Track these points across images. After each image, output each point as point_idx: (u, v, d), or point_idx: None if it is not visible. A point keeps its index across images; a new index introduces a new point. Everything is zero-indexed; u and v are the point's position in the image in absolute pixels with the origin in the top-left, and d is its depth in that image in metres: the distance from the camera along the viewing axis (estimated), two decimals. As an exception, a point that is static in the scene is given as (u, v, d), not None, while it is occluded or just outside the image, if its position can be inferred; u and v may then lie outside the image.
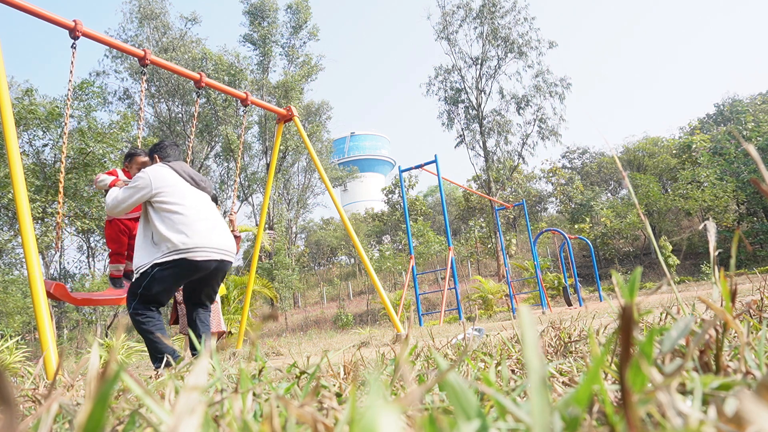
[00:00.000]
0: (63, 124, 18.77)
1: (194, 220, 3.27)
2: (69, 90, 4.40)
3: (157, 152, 3.64)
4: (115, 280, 4.49)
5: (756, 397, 0.35)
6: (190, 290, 3.57)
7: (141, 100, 5.14)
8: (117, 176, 4.21)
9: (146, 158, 4.26)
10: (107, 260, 4.32)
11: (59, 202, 4.31)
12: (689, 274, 24.41)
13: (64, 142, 4.45)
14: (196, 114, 5.57)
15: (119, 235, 4.42)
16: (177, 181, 3.40)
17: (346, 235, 37.81)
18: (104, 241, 4.58)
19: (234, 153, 29.19)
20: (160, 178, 3.32)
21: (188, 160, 5.12)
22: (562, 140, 31.23)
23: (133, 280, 3.26)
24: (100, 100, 19.36)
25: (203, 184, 3.55)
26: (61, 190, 4.34)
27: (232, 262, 3.52)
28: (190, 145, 5.71)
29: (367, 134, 73.05)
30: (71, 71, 4.36)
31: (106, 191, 3.94)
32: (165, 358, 1.92)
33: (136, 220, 4.36)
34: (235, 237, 5.22)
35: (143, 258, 3.22)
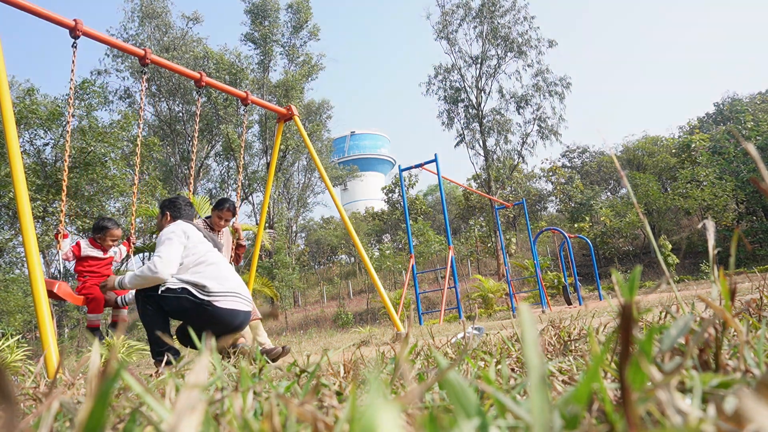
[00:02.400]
0: (65, 123, 18.78)
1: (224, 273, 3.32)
2: (71, 89, 4.39)
3: (169, 210, 3.61)
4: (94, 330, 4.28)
5: (755, 395, 0.35)
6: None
7: (141, 99, 5.15)
8: (79, 247, 4.22)
9: (119, 231, 4.36)
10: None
11: (62, 200, 4.29)
12: (689, 273, 24.41)
13: (67, 141, 4.44)
14: (198, 114, 5.58)
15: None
16: (201, 239, 3.42)
17: (346, 234, 37.81)
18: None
19: (235, 152, 29.19)
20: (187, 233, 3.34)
21: (192, 159, 5.13)
22: (561, 139, 31.23)
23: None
24: (101, 100, 19.36)
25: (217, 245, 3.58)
26: (64, 188, 4.31)
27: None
28: (195, 143, 5.71)
29: (367, 133, 73.03)
30: (72, 70, 4.36)
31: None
32: (165, 356, 1.92)
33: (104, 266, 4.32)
34: (241, 246, 5.19)
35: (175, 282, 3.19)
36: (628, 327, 0.41)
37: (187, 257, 3.23)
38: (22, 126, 17.71)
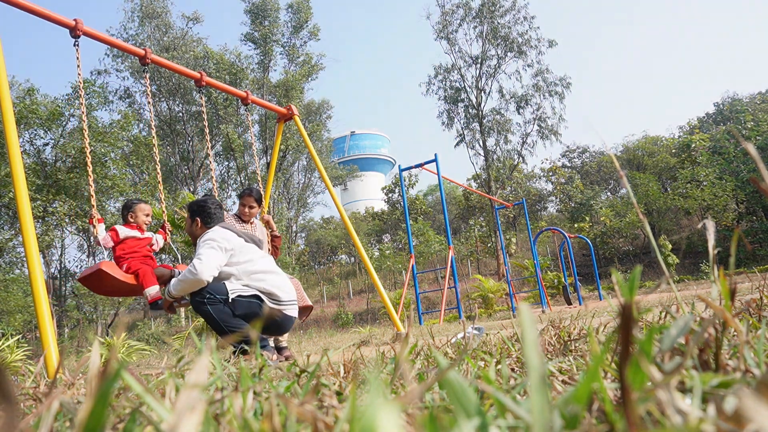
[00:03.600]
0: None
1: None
2: (80, 85, 4.37)
3: (200, 216, 3.48)
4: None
5: (755, 395, 0.35)
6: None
7: (148, 96, 5.23)
8: (116, 231, 3.98)
9: (148, 206, 4.20)
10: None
11: (90, 185, 4.13)
12: (689, 273, 24.40)
13: (85, 130, 4.37)
14: (204, 114, 5.63)
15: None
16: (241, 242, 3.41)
17: (346, 234, 37.81)
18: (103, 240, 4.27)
19: (235, 152, 29.22)
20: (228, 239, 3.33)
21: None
22: (561, 139, 31.24)
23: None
24: (101, 99, 19.37)
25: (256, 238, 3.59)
26: (90, 173, 4.16)
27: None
28: (208, 142, 5.69)
29: (367, 133, 73.03)
30: (78, 65, 4.33)
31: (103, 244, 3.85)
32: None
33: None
34: (277, 237, 5.14)
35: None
36: (628, 327, 0.41)
37: (241, 264, 3.30)
38: (22, 126, 17.71)
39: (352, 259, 41.17)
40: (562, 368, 0.92)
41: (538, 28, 30.63)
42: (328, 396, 0.66)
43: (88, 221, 4.24)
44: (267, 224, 5.06)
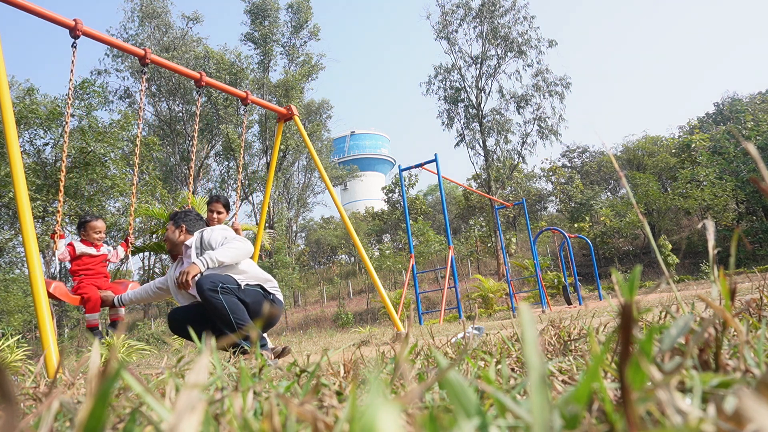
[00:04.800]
0: (64, 123, 18.76)
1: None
2: (70, 89, 4.39)
3: (186, 224, 3.64)
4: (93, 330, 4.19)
5: (755, 395, 0.35)
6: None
7: (141, 99, 5.15)
8: (73, 247, 4.14)
9: (100, 223, 4.29)
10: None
11: (59, 201, 4.27)
12: (689, 273, 24.41)
13: (65, 141, 4.44)
14: (198, 114, 5.57)
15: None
16: None
17: (346, 233, 37.82)
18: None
19: (235, 152, 29.20)
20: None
21: (192, 159, 5.14)
22: (561, 139, 31.24)
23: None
24: (101, 99, 19.37)
25: None
26: (62, 188, 4.29)
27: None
28: (194, 144, 5.70)
29: (367, 133, 73.02)
30: (72, 70, 4.36)
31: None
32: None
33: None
34: None
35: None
36: (628, 327, 0.41)
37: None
38: (22, 126, 17.71)
39: (352, 259, 41.17)
40: (562, 368, 0.92)
41: (538, 28, 30.64)
42: (328, 396, 0.66)
43: (50, 236, 4.33)
44: (236, 232, 5.19)
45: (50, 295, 3.77)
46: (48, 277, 5.48)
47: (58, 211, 4.22)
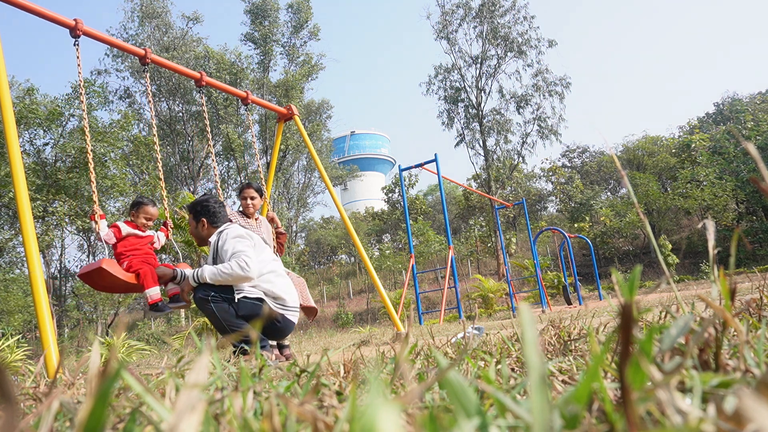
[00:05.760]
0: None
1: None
2: (81, 85, 4.37)
3: (205, 217, 3.44)
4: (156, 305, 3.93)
5: (755, 395, 0.35)
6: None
7: (149, 95, 5.16)
8: (118, 228, 3.92)
9: (154, 209, 4.10)
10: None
11: (91, 181, 4.16)
12: (689, 273, 24.40)
13: (86, 126, 4.42)
14: (205, 114, 5.62)
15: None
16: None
17: (346, 233, 37.82)
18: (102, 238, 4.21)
19: (235, 152, 29.22)
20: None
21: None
22: (561, 139, 31.23)
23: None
24: (101, 99, 19.37)
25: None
26: (92, 169, 4.17)
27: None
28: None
29: (367, 133, 73.01)
30: (78, 65, 4.32)
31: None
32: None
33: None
34: (282, 234, 5.14)
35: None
36: (628, 327, 0.41)
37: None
38: (22, 126, 17.71)
39: (352, 259, 41.17)
40: (562, 368, 0.92)
41: (538, 28, 30.64)
42: (328, 396, 0.66)
43: (89, 218, 4.18)
44: (272, 221, 5.08)
45: (100, 273, 3.54)
46: (48, 277, 5.46)
47: (94, 192, 4.11)
